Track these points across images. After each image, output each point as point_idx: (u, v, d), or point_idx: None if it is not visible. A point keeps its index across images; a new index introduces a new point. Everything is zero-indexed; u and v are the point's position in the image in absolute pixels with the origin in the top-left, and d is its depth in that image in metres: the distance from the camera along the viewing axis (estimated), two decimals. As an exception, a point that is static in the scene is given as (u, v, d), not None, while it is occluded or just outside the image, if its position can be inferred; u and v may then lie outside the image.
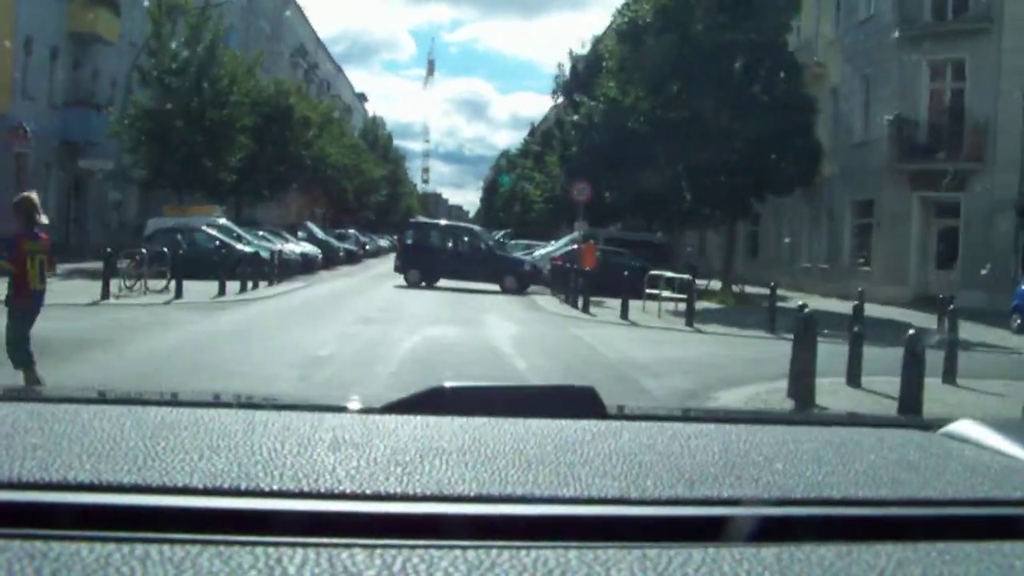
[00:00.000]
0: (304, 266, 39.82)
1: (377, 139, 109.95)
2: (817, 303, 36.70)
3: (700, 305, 26.85)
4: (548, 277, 35.72)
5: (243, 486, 1.13)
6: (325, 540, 0.98)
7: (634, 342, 18.48)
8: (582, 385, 1.68)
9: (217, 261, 27.05)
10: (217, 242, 32.43)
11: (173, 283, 23.84)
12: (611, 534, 1.06)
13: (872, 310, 29.00)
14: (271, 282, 30.23)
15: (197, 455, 1.23)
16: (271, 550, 0.95)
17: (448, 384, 1.64)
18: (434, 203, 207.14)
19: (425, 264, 35.30)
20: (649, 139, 37.46)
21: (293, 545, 0.96)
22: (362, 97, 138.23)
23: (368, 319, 20.37)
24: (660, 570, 0.97)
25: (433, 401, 1.59)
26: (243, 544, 0.96)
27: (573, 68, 57.79)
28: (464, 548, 0.98)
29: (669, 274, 26.59)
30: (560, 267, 32.74)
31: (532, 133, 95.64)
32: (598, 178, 34.34)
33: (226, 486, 1.13)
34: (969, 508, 1.24)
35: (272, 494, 1.11)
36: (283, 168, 48.05)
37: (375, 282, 35.56)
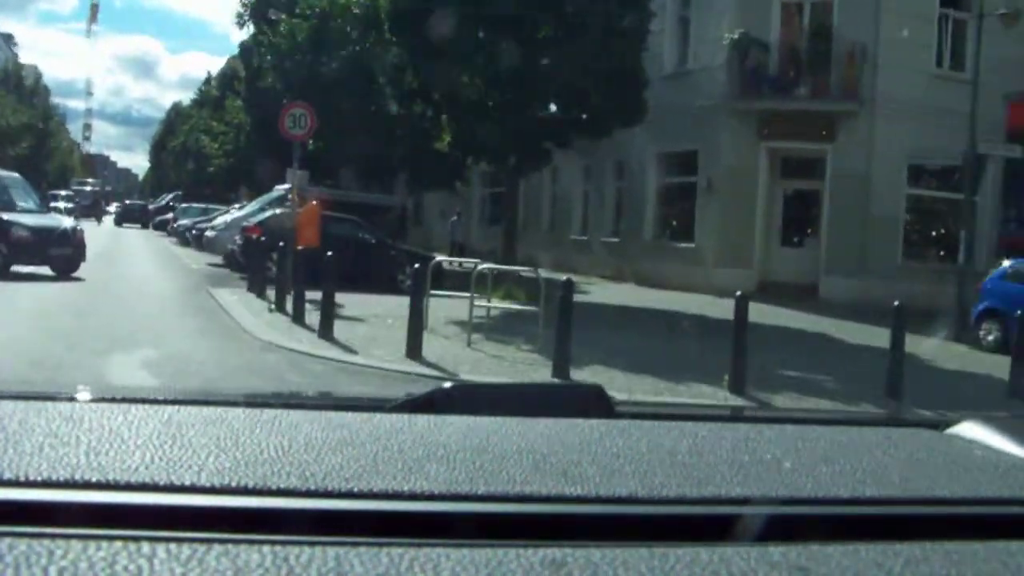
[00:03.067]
0: None
1: (22, 82, 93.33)
2: (613, 291, 26.76)
3: (497, 306, 16.05)
4: (239, 256, 23.77)
5: (250, 484, 1.11)
6: (332, 539, 0.97)
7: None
8: (590, 383, 1.69)
9: None
10: None
11: None
12: (619, 533, 1.05)
13: (720, 307, 18.88)
14: None
15: (204, 453, 1.21)
16: (278, 548, 0.94)
17: (456, 383, 1.65)
18: (101, 165, 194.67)
19: None
20: (389, 62, 26.09)
21: (300, 544, 0.95)
22: (9, 38, 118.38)
23: None
24: (668, 569, 0.96)
25: (441, 401, 1.58)
26: (250, 543, 0.95)
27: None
28: (471, 547, 0.97)
29: (476, 263, 15.38)
30: (257, 242, 20.66)
31: (208, 81, 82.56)
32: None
33: (233, 484, 1.11)
34: (977, 507, 1.23)
35: (279, 492, 1.10)
36: None
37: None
